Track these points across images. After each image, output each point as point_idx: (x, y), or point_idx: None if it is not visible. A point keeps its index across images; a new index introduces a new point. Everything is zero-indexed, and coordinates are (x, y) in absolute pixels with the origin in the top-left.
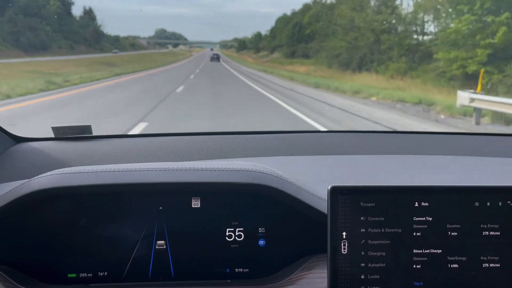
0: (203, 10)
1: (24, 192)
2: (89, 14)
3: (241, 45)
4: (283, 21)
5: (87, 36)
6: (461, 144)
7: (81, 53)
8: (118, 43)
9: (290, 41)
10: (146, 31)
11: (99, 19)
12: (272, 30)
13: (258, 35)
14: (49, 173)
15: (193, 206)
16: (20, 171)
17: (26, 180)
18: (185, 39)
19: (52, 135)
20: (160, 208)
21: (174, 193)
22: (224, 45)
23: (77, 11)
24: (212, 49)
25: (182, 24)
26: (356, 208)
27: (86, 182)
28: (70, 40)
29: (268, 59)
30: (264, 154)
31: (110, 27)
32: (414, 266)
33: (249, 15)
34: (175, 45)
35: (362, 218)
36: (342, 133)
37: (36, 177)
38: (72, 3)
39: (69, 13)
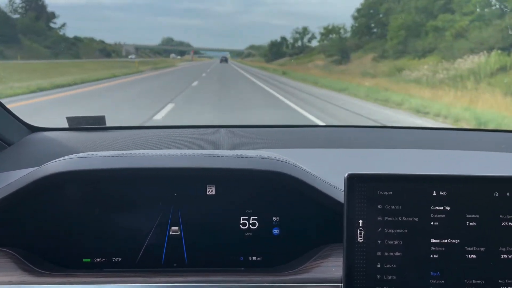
0: (213, 22)
1: (39, 175)
2: (40, 8)
3: (274, 51)
4: None
5: None
6: (476, 140)
7: None
8: (74, 47)
9: None
10: (154, 40)
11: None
12: (368, 12)
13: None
14: (64, 157)
15: (207, 193)
16: (34, 159)
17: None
18: (193, 48)
19: (67, 126)
20: (175, 194)
21: (189, 179)
22: (238, 53)
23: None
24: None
25: (190, 33)
26: (373, 196)
27: (101, 166)
28: None
29: None
30: (275, 147)
31: (119, 36)
32: (431, 256)
33: (260, 27)
34: (183, 53)
35: (379, 206)
36: (353, 128)
37: (51, 161)
38: None
39: None
